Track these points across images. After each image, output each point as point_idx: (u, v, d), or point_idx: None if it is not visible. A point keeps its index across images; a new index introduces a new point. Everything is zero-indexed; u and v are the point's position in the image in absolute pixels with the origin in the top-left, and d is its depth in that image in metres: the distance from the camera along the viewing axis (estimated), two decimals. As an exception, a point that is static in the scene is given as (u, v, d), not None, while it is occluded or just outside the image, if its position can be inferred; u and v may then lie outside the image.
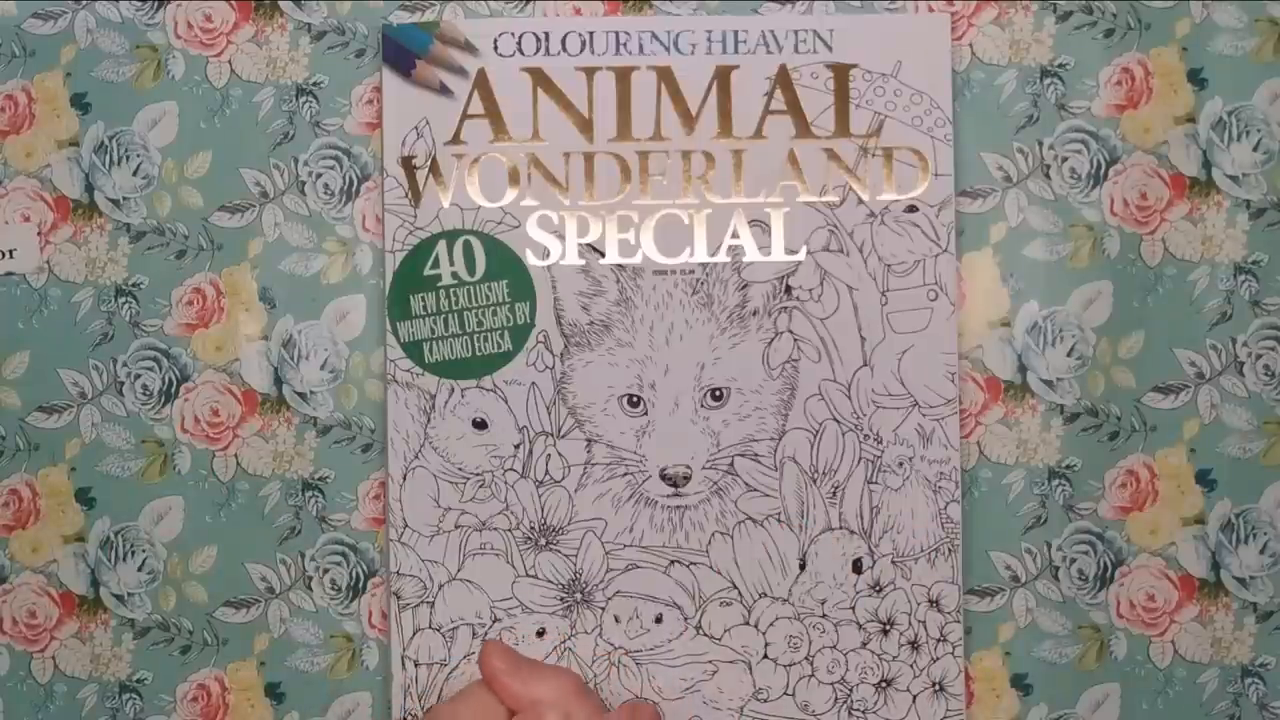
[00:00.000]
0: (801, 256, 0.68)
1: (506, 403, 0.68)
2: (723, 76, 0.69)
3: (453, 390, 0.68)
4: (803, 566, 0.68)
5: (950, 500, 0.68)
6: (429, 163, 0.69)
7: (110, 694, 0.69)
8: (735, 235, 0.68)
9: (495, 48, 0.69)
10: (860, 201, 0.69)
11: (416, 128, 0.69)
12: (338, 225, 0.70)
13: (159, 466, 0.70)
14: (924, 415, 0.68)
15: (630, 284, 0.68)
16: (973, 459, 0.69)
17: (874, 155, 0.69)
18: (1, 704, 0.70)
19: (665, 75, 0.69)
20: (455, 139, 0.69)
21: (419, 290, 0.69)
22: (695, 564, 0.68)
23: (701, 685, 0.68)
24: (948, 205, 0.69)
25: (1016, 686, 0.69)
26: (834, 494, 0.68)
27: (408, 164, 0.69)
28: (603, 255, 0.69)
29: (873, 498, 0.68)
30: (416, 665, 0.68)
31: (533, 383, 0.68)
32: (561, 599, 0.68)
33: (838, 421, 0.68)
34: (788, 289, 0.68)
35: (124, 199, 0.70)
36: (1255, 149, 0.70)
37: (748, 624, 0.68)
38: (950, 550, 0.68)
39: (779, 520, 0.68)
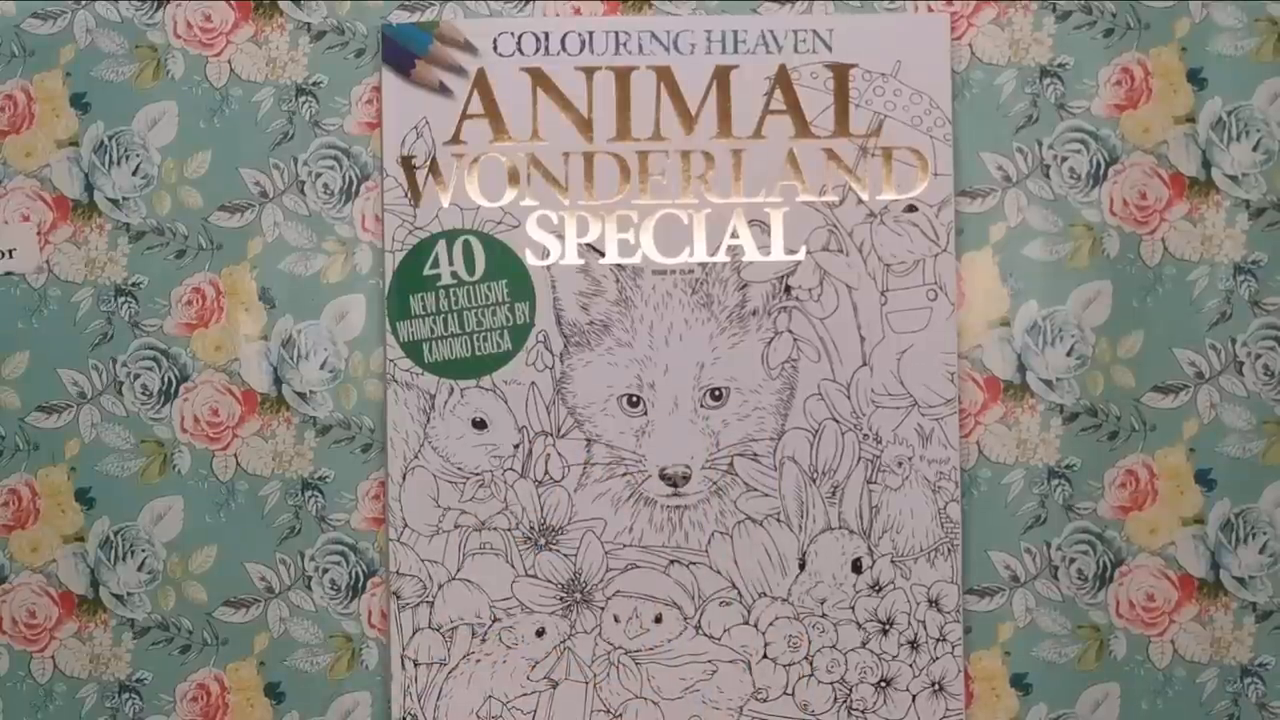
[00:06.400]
0: (801, 256, 0.68)
1: (506, 403, 0.68)
2: (722, 76, 0.69)
3: (452, 390, 0.68)
4: (802, 566, 0.68)
5: (950, 500, 0.68)
6: (428, 163, 0.69)
7: (110, 694, 0.69)
8: (735, 235, 0.68)
9: (495, 47, 0.69)
10: (860, 201, 0.69)
11: (416, 128, 0.69)
12: (337, 225, 0.70)
13: (159, 466, 0.70)
14: (923, 415, 0.68)
15: (630, 284, 0.68)
16: (972, 459, 0.69)
17: (873, 155, 0.69)
18: (1, 704, 0.70)
19: (665, 75, 0.69)
20: (455, 139, 0.69)
21: (419, 290, 0.69)
22: (695, 564, 0.68)
23: (701, 685, 0.68)
24: (947, 205, 0.69)
25: (1016, 686, 0.69)
26: (833, 494, 0.68)
27: (407, 164, 0.69)
28: (602, 255, 0.69)
29: (872, 497, 0.68)
30: (416, 665, 0.68)
31: (532, 383, 0.68)
32: (561, 599, 0.68)
33: (837, 421, 0.68)
34: (787, 289, 0.68)
35: (124, 199, 0.70)
36: (1255, 149, 0.70)
37: (747, 624, 0.68)
38: (950, 550, 0.68)
39: (779, 520, 0.68)
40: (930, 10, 0.70)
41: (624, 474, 0.68)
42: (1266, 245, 0.70)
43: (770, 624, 0.68)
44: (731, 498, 0.68)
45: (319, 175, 0.70)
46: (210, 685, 0.69)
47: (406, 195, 0.69)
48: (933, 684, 0.68)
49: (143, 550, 0.69)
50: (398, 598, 0.68)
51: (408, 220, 0.69)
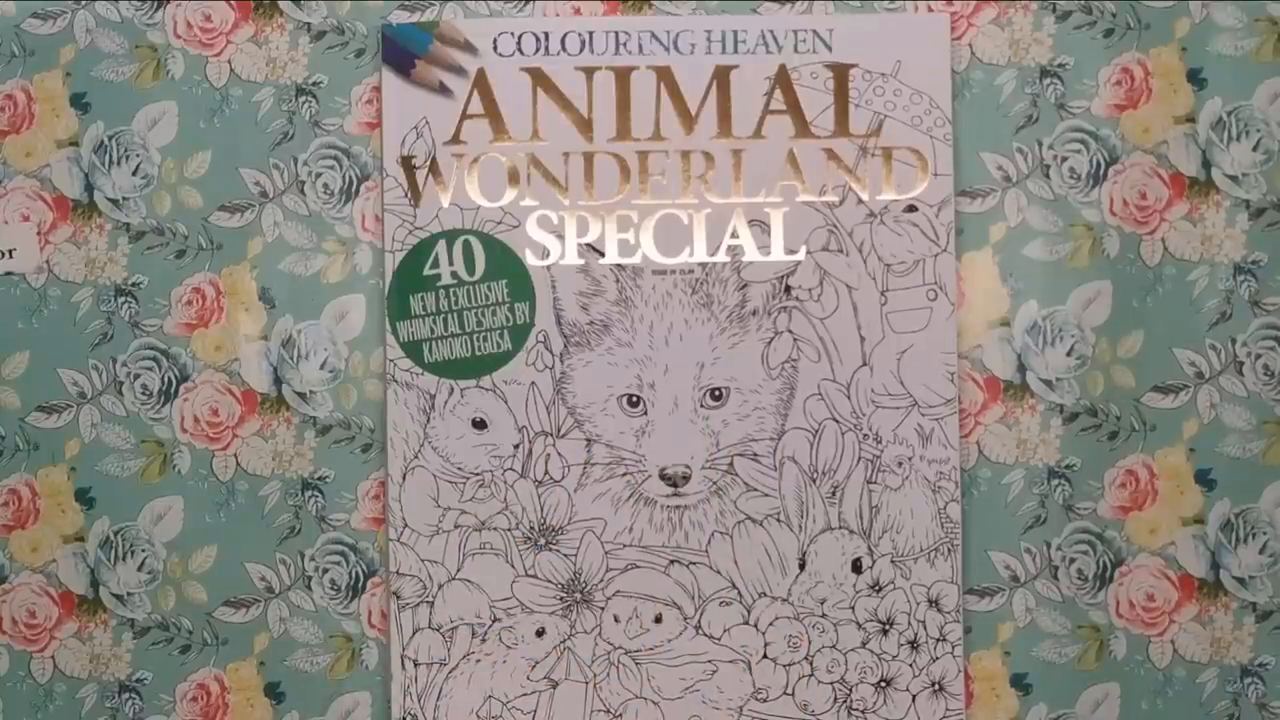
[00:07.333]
0: (801, 256, 0.68)
1: (506, 403, 0.68)
2: (722, 76, 0.69)
3: (452, 390, 0.68)
4: (802, 566, 0.68)
5: (950, 500, 0.68)
6: (428, 163, 0.69)
7: (110, 694, 0.69)
8: (735, 235, 0.68)
9: (495, 47, 0.69)
10: (860, 201, 0.69)
11: (416, 128, 0.69)
12: (337, 225, 0.70)
13: (159, 466, 0.70)
14: (923, 415, 0.68)
15: (630, 284, 0.68)
16: (972, 459, 0.69)
17: (873, 155, 0.69)
18: (1, 704, 0.70)
19: (665, 75, 0.69)
20: (455, 139, 0.69)
21: (418, 290, 0.69)
22: (695, 564, 0.68)
23: (701, 685, 0.68)
24: (947, 205, 0.69)
25: (1016, 686, 0.69)
26: (833, 494, 0.68)
27: (407, 164, 0.69)
28: (602, 255, 0.69)
29: (872, 497, 0.68)
30: (416, 665, 0.68)
31: (532, 383, 0.68)
32: (561, 599, 0.68)
33: (837, 421, 0.68)
34: (787, 289, 0.68)
35: (124, 199, 0.70)
36: (1255, 149, 0.70)
37: (747, 624, 0.68)
38: (950, 550, 0.68)
39: (779, 520, 0.68)
40: (930, 10, 0.70)
41: (624, 474, 0.68)
42: (1266, 245, 0.70)
43: (770, 624, 0.68)
44: (731, 498, 0.68)
45: (319, 175, 0.70)
46: (210, 685, 0.69)
47: (406, 195, 0.69)
48: (933, 684, 0.68)
49: (143, 550, 0.69)
50: (398, 598, 0.68)
51: (408, 220, 0.69)
